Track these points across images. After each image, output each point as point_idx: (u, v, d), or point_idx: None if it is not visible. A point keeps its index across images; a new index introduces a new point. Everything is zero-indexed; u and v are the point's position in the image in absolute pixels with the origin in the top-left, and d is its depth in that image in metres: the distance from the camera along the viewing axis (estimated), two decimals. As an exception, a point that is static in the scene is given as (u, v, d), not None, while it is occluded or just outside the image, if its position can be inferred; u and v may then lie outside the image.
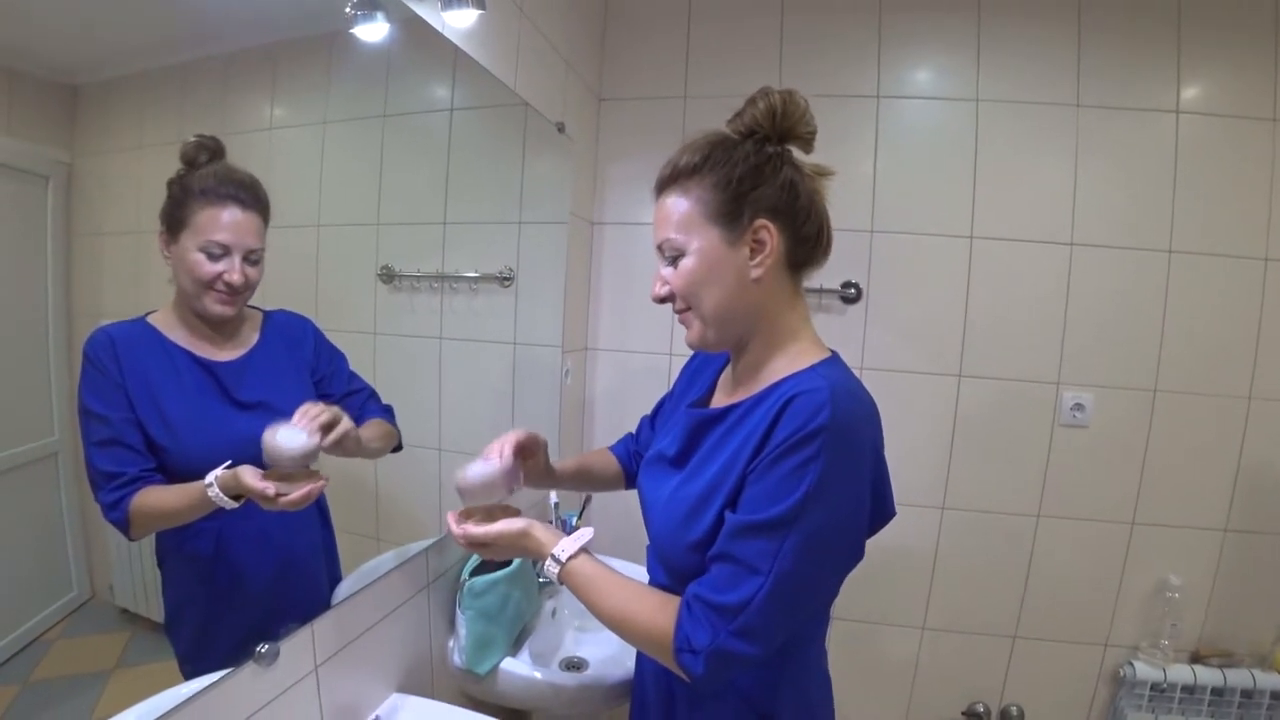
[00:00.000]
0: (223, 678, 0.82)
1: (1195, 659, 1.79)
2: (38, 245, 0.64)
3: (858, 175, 1.85)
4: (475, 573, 1.33)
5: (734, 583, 0.76)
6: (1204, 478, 1.79)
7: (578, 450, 2.04)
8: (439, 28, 1.19)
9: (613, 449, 1.26)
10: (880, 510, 0.83)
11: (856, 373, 0.86)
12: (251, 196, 0.86)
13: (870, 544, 0.82)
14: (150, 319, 0.83)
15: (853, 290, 1.88)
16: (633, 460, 1.22)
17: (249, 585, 0.92)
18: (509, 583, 1.36)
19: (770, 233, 0.81)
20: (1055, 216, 1.79)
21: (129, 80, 0.72)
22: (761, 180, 0.82)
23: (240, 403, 0.89)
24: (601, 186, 2.03)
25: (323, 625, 1.00)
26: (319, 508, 1.03)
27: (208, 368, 0.87)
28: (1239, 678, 1.72)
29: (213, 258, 0.82)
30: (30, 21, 0.61)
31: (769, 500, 0.75)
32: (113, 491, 0.74)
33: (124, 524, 0.75)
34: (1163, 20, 1.72)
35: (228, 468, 0.81)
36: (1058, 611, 1.87)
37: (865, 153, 1.85)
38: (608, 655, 1.54)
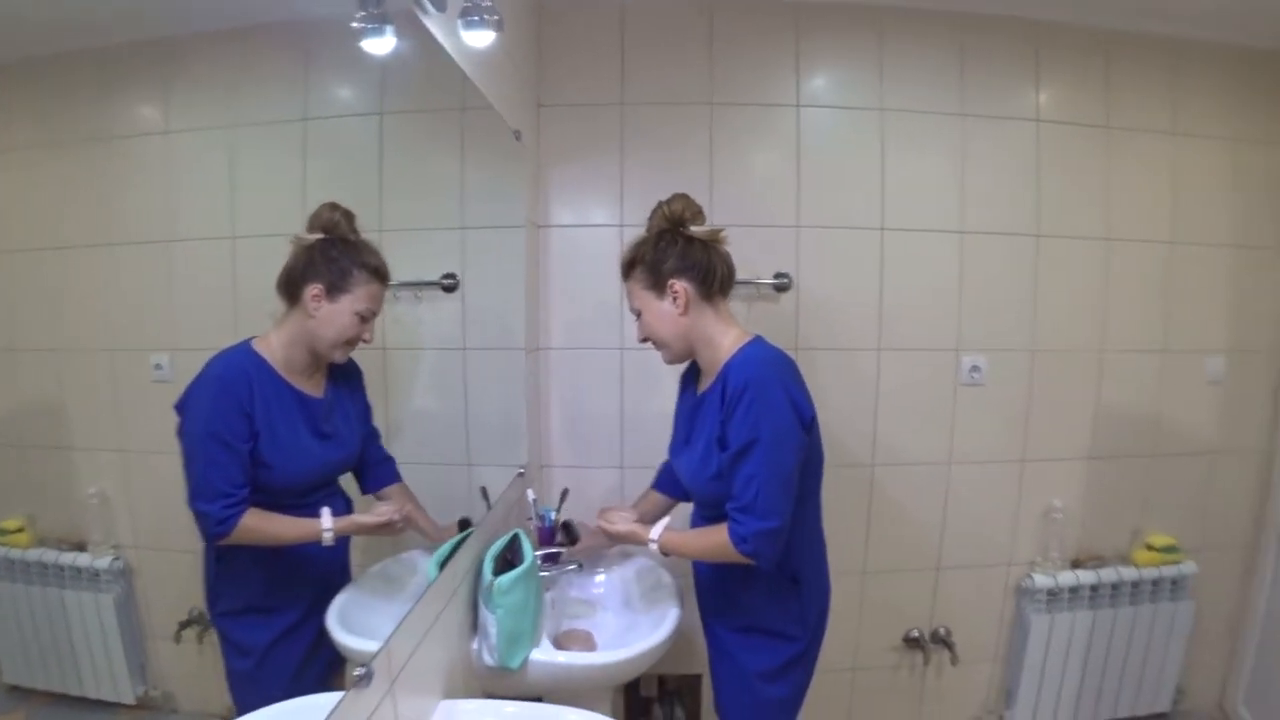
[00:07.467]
0: (339, 703, 0.84)
1: (1076, 565, 2.19)
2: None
3: (784, 176, 2.04)
4: (496, 573, 1.38)
5: (745, 489, 1.21)
6: (1072, 417, 2.19)
7: (541, 440, 2.13)
8: (440, 38, 1.20)
9: (655, 487, 1.70)
10: (804, 413, 1.26)
11: (792, 352, 1.35)
12: (387, 272, 1.08)
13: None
14: (255, 347, 0.92)
15: (785, 279, 2.07)
16: (671, 485, 1.64)
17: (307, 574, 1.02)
18: (527, 578, 1.42)
19: (679, 287, 1.31)
20: (948, 209, 2.09)
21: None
22: (667, 257, 1.31)
23: (322, 433, 1.04)
24: (545, 191, 2.08)
25: (396, 642, 1.03)
26: None
27: (304, 402, 1.01)
28: (1109, 575, 2.13)
29: (363, 321, 1.03)
30: None
31: (739, 434, 1.21)
32: (226, 508, 0.82)
33: (225, 536, 0.82)
34: (1024, 45, 2.07)
35: (334, 516, 0.96)
36: (970, 542, 2.20)
37: (789, 156, 2.05)
38: (608, 636, 1.65)
